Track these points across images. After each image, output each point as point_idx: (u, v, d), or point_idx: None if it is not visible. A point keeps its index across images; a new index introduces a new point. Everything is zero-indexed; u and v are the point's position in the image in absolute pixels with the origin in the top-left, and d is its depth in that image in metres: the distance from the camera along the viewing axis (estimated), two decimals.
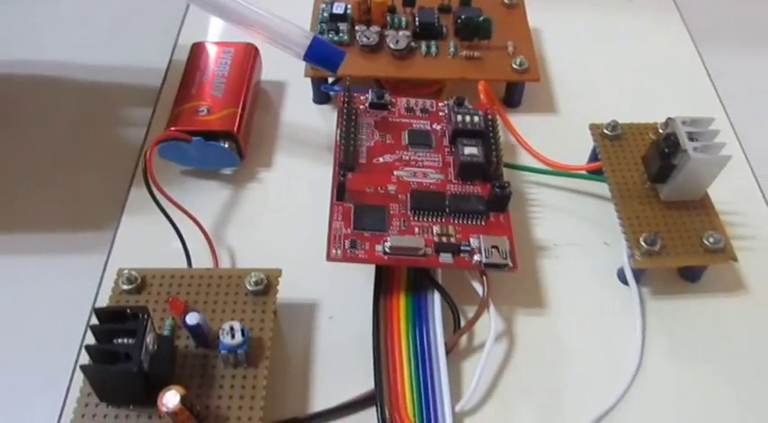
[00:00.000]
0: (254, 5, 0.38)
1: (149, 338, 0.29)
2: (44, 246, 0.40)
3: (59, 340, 0.36)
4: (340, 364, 0.36)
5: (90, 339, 0.30)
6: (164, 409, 0.28)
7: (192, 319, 0.31)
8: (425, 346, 0.35)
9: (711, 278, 0.39)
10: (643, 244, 0.36)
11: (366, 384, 0.34)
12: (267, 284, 0.35)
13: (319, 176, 0.41)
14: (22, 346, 0.36)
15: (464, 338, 0.37)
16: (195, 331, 0.32)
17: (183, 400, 0.28)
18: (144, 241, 0.39)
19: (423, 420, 0.33)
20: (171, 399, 0.28)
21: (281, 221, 0.41)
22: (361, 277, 0.37)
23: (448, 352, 0.35)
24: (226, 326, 0.32)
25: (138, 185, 0.42)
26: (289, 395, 0.34)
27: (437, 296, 0.36)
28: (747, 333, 0.37)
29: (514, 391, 0.35)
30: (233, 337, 0.32)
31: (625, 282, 0.38)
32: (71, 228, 0.40)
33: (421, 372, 0.34)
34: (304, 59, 0.39)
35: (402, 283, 0.37)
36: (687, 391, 0.35)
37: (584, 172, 0.42)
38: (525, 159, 0.44)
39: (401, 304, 0.36)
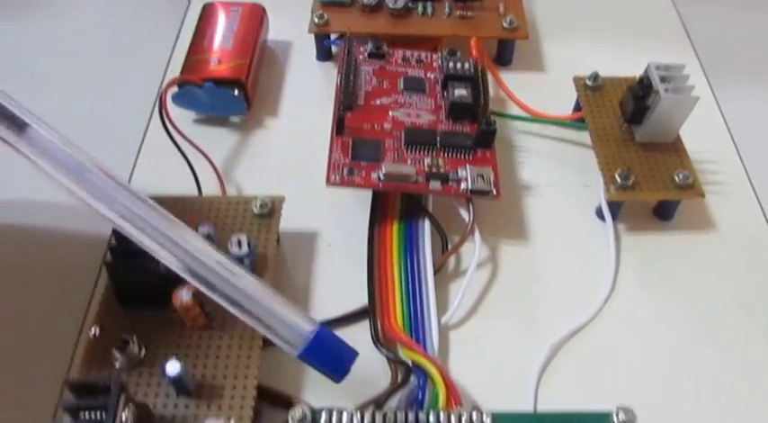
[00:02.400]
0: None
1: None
2: None
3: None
4: (337, 284, 0.39)
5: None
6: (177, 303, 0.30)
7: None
8: (415, 266, 0.38)
9: (684, 218, 0.42)
10: (617, 179, 0.39)
11: (361, 301, 0.37)
12: (271, 208, 0.38)
13: (322, 125, 0.43)
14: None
15: (451, 262, 0.40)
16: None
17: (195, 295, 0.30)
18: (158, 178, 0.43)
19: (411, 330, 0.36)
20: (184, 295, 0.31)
21: (285, 161, 0.44)
22: (358, 208, 0.41)
23: (436, 271, 0.38)
24: (234, 238, 0.35)
25: (153, 129, 0.45)
26: None
27: (427, 223, 0.39)
28: (714, 268, 0.40)
29: (495, 308, 0.38)
30: (240, 247, 0.35)
31: (603, 218, 0.41)
32: None
33: (410, 288, 0.37)
34: (299, 357, 0.30)
35: (395, 211, 0.40)
36: (655, 317, 0.38)
37: (567, 121, 0.45)
38: (513, 111, 0.47)
39: (394, 230, 0.39)
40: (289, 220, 0.40)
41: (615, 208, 0.41)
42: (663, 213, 0.42)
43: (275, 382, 0.35)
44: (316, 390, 0.35)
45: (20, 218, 0.41)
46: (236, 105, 0.45)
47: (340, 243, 0.41)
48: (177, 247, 0.29)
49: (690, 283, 0.39)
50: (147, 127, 0.46)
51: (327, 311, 0.37)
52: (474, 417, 0.30)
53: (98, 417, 0.28)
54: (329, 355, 0.29)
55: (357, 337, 0.36)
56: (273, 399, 0.34)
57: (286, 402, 0.33)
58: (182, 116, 0.45)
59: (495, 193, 0.38)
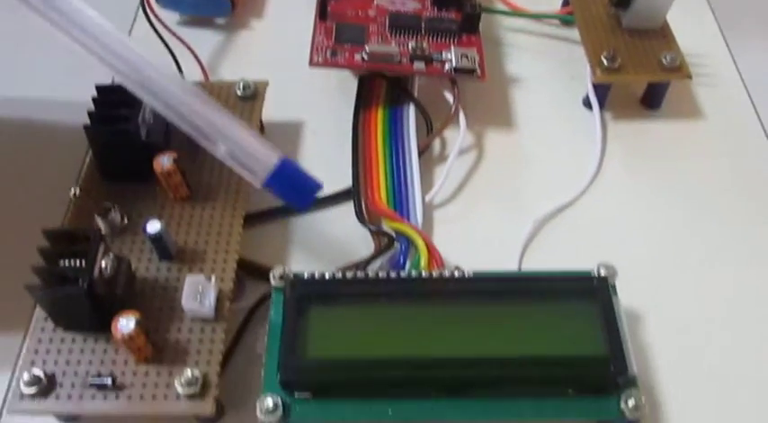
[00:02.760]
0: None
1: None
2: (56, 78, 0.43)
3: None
4: (322, 169, 0.38)
5: None
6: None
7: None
8: (400, 148, 0.38)
9: (671, 107, 0.42)
10: (604, 61, 0.39)
11: (346, 184, 0.37)
12: (254, 91, 0.38)
13: (307, 26, 0.43)
14: None
15: (436, 147, 0.40)
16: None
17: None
18: None
19: (395, 207, 0.36)
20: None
21: (269, 58, 0.44)
22: (343, 96, 0.41)
23: (420, 153, 0.38)
24: None
25: (138, 24, 0.45)
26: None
27: (412, 107, 0.39)
28: (700, 154, 0.40)
29: (480, 189, 0.38)
30: None
31: (590, 107, 0.41)
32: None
33: (395, 168, 0.37)
34: (264, 186, 0.29)
35: (380, 97, 0.40)
36: (639, 197, 0.38)
37: (555, 15, 0.44)
38: (501, 7, 0.46)
39: (379, 116, 0.39)
40: (273, 111, 0.40)
41: (602, 94, 0.40)
42: (650, 102, 0.41)
43: (257, 258, 0.35)
44: (298, 264, 0.35)
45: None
46: (221, 5, 0.45)
47: (325, 130, 0.41)
48: (134, 65, 0.28)
49: (675, 169, 0.39)
50: (132, 25, 0.46)
51: None
52: (456, 273, 0.30)
53: (77, 264, 0.27)
54: (293, 184, 0.29)
55: (341, 216, 0.36)
56: (256, 271, 0.34)
57: (268, 274, 0.33)
58: (166, 18, 0.44)
59: (479, 73, 0.38)
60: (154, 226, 0.30)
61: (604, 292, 0.29)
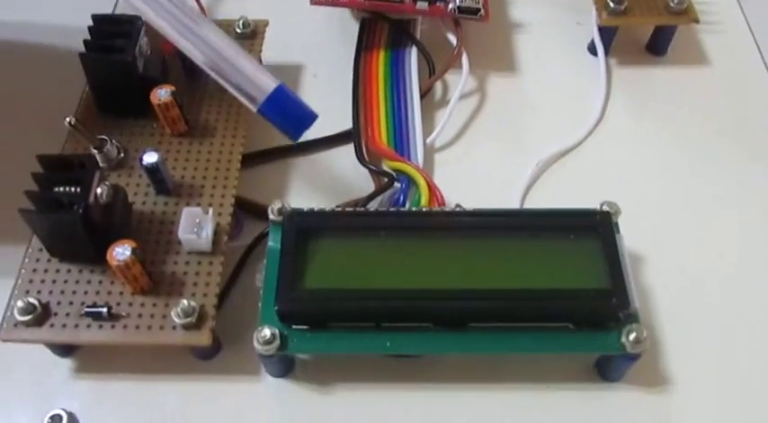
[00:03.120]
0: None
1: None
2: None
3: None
4: (322, 112, 0.38)
5: None
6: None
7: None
8: (401, 90, 0.37)
9: (677, 53, 0.41)
10: (609, 3, 0.38)
11: (347, 126, 0.37)
12: (254, 30, 0.37)
13: None
14: None
15: (438, 90, 0.39)
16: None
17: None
18: None
19: (396, 147, 0.35)
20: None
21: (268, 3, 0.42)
22: (344, 39, 0.40)
23: (422, 96, 0.37)
24: None
25: None
26: (275, 131, 0.36)
27: (414, 50, 0.38)
28: (705, 100, 0.39)
29: (482, 132, 0.38)
30: None
31: (595, 54, 0.41)
32: None
33: (396, 110, 0.37)
34: (259, 112, 0.29)
35: (382, 40, 0.39)
36: (643, 141, 0.37)
37: None
38: None
39: (380, 58, 0.39)
40: (274, 53, 0.39)
41: (607, 39, 0.40)
42: (656, 48, 0.41)
43: (256, 198, 0.34)
44: (297, 203, 0.34)
45: None
46: None
47: (326, 74, 0.40)
48: None
49: (680, 115, 0.38)
50: None
51: (314, 134, 0.37)
52: (457, 209, 0.30)
53: (73, 191, 0.27)
54: (288, 112, 0.29)
55: (341, 157, 0.36)
56: (254, 211, 0.33)
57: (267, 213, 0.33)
58: None
59: (483, 13, 0.37)
60: (151, 157, 0.30)
61: (607, 227, 0.29)
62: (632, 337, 0.27)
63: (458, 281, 0.28)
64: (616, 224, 0.29)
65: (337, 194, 0.34)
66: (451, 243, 0.29)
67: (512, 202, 0.34)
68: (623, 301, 0.27)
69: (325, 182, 0.35)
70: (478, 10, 0.37)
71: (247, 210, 0.34)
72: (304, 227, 0.29)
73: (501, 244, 0.28)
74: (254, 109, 0.29)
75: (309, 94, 0.39)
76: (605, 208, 0.30)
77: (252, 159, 0.35)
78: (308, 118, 0.29)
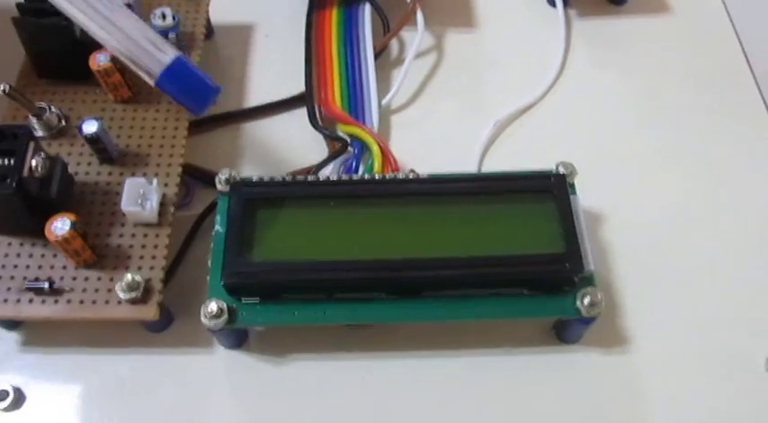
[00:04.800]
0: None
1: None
2: None
3: None
4: (275, 73, 0.37)
5: None
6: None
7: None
8: (355, 50, 0.36)
9: (638, 1, 0.40)
10: None
11: (300, 89, 0.35)
12: None
13: None
14: None
15: (394, 49, 0.38)
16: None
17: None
18: None
19: (351, 110, 0.34)
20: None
21: None
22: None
23: (377, 55, 0.36)
24: (157, 10, 0.33)
25: None
26: (225, 95, 0.35)
27: (368, 6, 0.37)
28: (667, 50, 0.38)
29: (439, 91, 0.37)
30: (164, 19, 0.33)
31: (553, 4, 0.39)
32: None
33: (350, 71, 0.36)
34: (157, 84, 0.28)
35: None
36: (604, 95, 0.37)
37: None
38: None
39: (333, 16, 0.37)
40: (223, 13, 0.38)
41: None
42: None
43: (206, 165, 0.33)
44: (249, 170, 0.33)
45: None
46: None
47: (277, 33, 0.39)
48: None
49: (641, 66, 0.38)
50: None
51: (265, 99, 0.36)
52: (410, 176, 0.29)
53: (6, 164, 0.26)
54: (188, 85, 0.28)
55: (294, 121, 0.35)
56: (204, 178, 0.33)
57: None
58: None
59: None
60: (90, 126, 0.28)
61: (561, 189, 0.28)
62: (587, 300, 0.26)
63: (410, 249, 0.27)
64: (572, 185, 0.29)
65: (290, 160, 0.33)
66: (404, 211, 0.28)
67: (469, 165, 0.34)
68: (578, 265, 0.26)
69: (277, 147, 0.34)
70: None
71: (198, 177, 0.33)
72: (252, 197, 0.28)
73: (454, 210, 0.28)
74: (152, 83, 0.28)
75: (261, 55, 0.38)
76: (560, 169, 0.29)
77: (201, 125, 0.34)
78: (211, 91, 0.28)
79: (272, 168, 0.33)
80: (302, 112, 0.35)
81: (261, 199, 0.28)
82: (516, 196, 0.28)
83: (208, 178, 0.32)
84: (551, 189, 0.28)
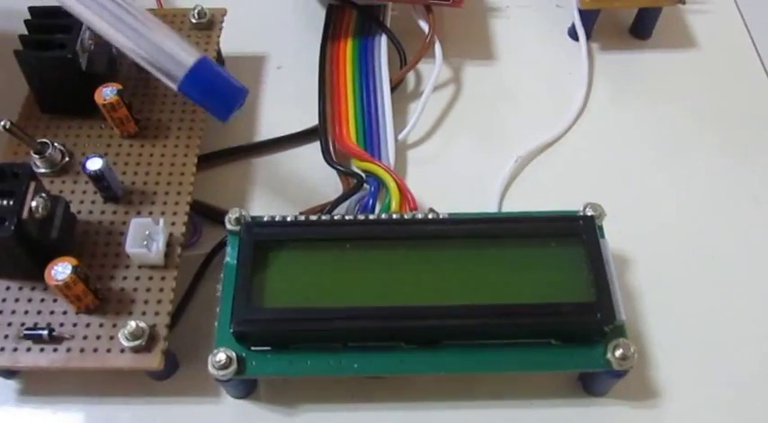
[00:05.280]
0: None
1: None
2: None
3: None
4: (288, 106, 0.36)
5: None
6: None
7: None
8: (371, 83, 0.35)
9: (662, 37, 0.39)
10: None
11: (313, 122, 0.34)
12: (211, 20, 0.35)
13: None
14: None
15: (411, 81, 0.37)
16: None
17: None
18: None
19: (366, 146, 0.33)
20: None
21: None
22: (310, 28, 0.38)
23: (393, 88, 0.35)
24: None
25: None
26: (235, 129, 0.34)
27: (384, 38, 0.36)
28: (692, 86, 0.37)
29: (457, 126, 0.35)
30: None
31: (575, 38, 0.38)
32: None
33: (365, 104, 0.35)
34: (180, 89, 0.26)
35: (350, 27, 0.37)
36: (627, 133, 0.35)
37: None
38: None
39: (348, 47, 0.36)
40: (235, 43, 0.37)
41: (589, 23, 0.38)
42: (640, 31, 0.39)
43: (215, 202, 0.32)
44: (259, 208, 0.32)
45: None
46: None
47: (290, 65, 0.38)
48: None
49: (666, 103, 0.36)
50: None
51: (277, 132, 0.34)
52: (430, 216, 0.28)
53: (5, 205, 0.24)
54: (213, 88, 0.26)
55: (307, 156, 0.34)
56: (213, 216, 0.31)
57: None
58: None
59: None
60: (94, 163, 0.27)
61: (591, 233, 0.26)
62: (619, 353, 0.25)
63: (431, 296, 0.25)
64: (600, 228, 0.27)
65: (302, 197, 0.32)
66: (424, 254, 0.26)
67: (490, 203, 0.32)
68: (609, 315, 0.25)
69: (290, 183, 0.33)
70: None
71: (206, 215, 0.31)
72: (263, 238, 0.26)
73: (477, 254, 0.26)
74: (174, 87, 0.25)
75: (273, 87, 0.37)
76: (589, 211, 0.27)
77: (210, 160, 0.33)
78: (238, 93, 0.26)
79: (284, 205, 0.32)
80: (315, 147, 0.33)
81: (272, 240, 0.27)
82: (542, 239, 0.27)
83: (216, 215, 0.31)
84: (580, 232, 0.26)
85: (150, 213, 0.28)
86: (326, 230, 0.27)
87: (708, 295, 0.30)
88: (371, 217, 0.28)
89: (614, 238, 0.28)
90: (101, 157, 0.27)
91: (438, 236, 0.27)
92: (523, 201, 0.32)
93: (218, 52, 0.35)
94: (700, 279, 0.30)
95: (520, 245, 0.27)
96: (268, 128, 0.35)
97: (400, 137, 0.34)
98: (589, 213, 0.27)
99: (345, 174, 0.32)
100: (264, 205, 0.32)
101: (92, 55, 0.30)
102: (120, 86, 0.29)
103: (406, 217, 0.28)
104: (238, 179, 0.33)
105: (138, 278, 0.27)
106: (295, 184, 0.33)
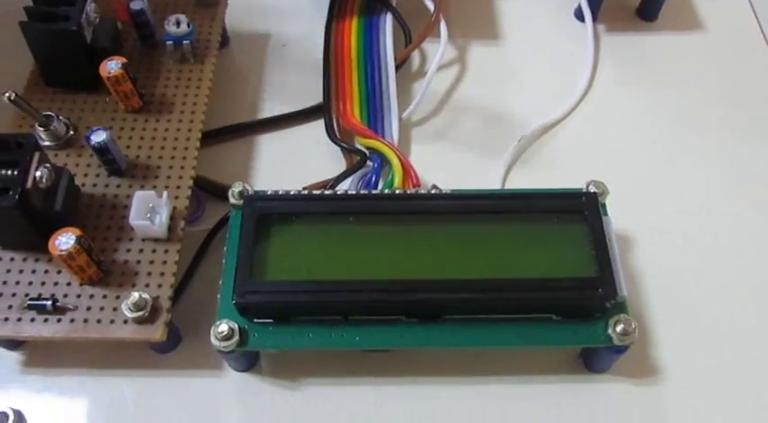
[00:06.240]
0: None
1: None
2: None
3: None
4: (292, 84, 0.36)
5: None
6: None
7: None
8: (375, 61, 0.35)
9: (668, 18, 0.39)
10: None
11: (318, 100, 0.34)
12: None
13: None
14: None
15: (416, 61, 0.37)
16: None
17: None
18: None
19: (369, 124, 0.33)
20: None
21: None
22: (315, 5, 0.37)
23: (398, 67, 0.35)
24: (171, 17, 0.32)
25: None
26: (240, 105, 0.35)
27: (389, 17, 0.36)
28: (698, 68, 0.37)
29: (462, 105, 0.35)
30: (178, 26, 0.32)
31: (582, 19, 0.38)
32: None
33: (369, 83, 0.34)
34: None
35: (355, 6, 0.36)
36: (632, 114, 0.35)
37: None
38: None
39: (353, 26, 0.36)
40: (239, 21, 0.37)
41: (595, 4, 0.38)
42: (646, 12, 0.39)
43: (219, 178, 0.32)
44: (263, 183, 0.32)
45: None
46: None
47: (295, 43, 0.38)
48: None
49: (671, 84, 0.36)
50: None
51: (281, 109, 0.34)
52: (433, 192, 0.28)
53: (9, 175, 0.24)
54: None
55: (311, 133, 0.34)
56: (217, 192, 0.31)
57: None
58: None
59: None
60: (98, 136, 0.27)
61: (594, 209, 0.26)
62: (620, 328, 0.25)
63: (432, 270, 0.25)
64: (603, 205, 0.27)
65: (306, 174, 0.32)
66: (426, 229, 0.26)
67: (493, 182, 0.32)
68: (611, 291, 0.25)
69: (293, 160, 0.33)
70: None
71: (209, 191, 0.31)
72: (265, 212, 0.26)
73: (479, 230, 0.26)
74: None
75: (279, 66, 0.37)
76: (592, 188, 0.27)
77: (214, 136, 0.33)
78: None
79: (287, 182, 0.31)
80: (319, 124, 0.33)
81: (275, 214, 0.27)
82: (545, 216, 0.27)
83: (220, 191, 0.31)
84: (582, 209, 0.26)
85: (154, 187, 0.28)
86: (329, 205, 0.27)
87: (710, 275, 0.30)
88: (374, 192, 0.28)
89: (618, 219, 0.28)
90: (105, 130, 0.27)
91: (440, 211, 0.27)
92: (526, 180, 0.32)
93: (224, 29, 0.35)
94: (702, 259, 0.30)
95: (522, 220, 0.27)
96: (272, 105, 0.35)
97: (404, 115, 0.34)
98: (592, 190, 0.27)
99: (349, 151, 0.32)
100: (268, 182, 0.32)
101: (96, 28, 0.30)
102: (125, 60, 0.29)
103: (408, 192, 0.28)
104: (242, 156, 0.33)
105: (141, 251, 0.27)
106: (298, 161, 0.33)
